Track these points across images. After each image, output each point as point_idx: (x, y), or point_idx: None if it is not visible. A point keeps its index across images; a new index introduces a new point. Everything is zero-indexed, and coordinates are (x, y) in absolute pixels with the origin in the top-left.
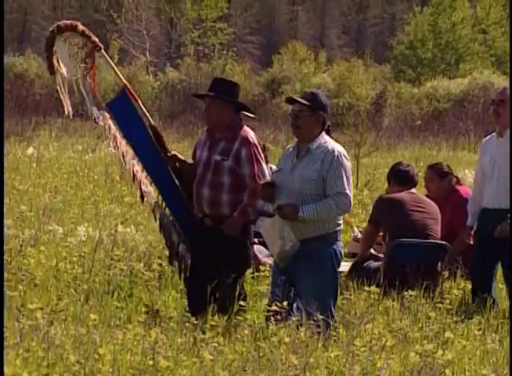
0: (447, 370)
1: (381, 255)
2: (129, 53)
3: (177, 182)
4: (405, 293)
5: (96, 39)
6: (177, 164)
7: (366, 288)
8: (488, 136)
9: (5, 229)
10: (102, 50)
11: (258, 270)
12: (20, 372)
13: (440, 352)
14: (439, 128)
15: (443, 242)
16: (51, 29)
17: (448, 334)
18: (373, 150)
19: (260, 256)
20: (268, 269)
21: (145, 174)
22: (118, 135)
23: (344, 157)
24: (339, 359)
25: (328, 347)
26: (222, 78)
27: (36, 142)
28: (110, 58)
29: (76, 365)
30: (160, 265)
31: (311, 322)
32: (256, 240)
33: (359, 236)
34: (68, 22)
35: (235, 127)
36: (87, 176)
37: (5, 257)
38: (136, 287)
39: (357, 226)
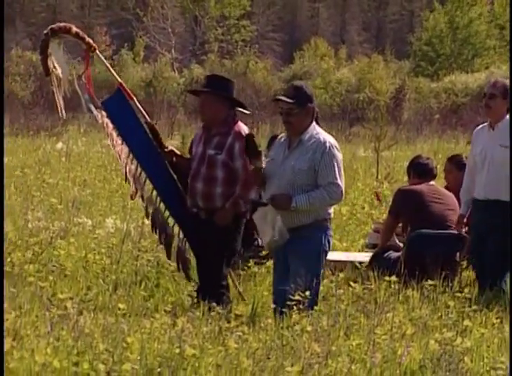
0: (466, 358)
1: (401, 244)
2: (155, 50)
3: (174, 176)
4: (425, 282)
5: (90, 40)
6: (174, 159)
7: (387, 278)
8: (480, 126)
9: (36, 222)
10: (97, 51)
11: None
12: (51, 360)
13: (459, 340)
14: (457, 122)
15: (461, 233)
16: (45, 32)
17: (466, 322)
18: (392, 144)
19: None
20: None
21: (139, 171)
22: (114, 133)
23: (335, 148)
24: (360, 347)
25: (350, 335)
26: (216, 74)
27: (65, 137)
28: (137, 55)
29: (105, 353)
30: None
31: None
32: None
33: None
34: (62, 24)
35: (229, 122)
36: (115, 170)
37: (35, 248)
38: (163, 278)
39: (377, 218)
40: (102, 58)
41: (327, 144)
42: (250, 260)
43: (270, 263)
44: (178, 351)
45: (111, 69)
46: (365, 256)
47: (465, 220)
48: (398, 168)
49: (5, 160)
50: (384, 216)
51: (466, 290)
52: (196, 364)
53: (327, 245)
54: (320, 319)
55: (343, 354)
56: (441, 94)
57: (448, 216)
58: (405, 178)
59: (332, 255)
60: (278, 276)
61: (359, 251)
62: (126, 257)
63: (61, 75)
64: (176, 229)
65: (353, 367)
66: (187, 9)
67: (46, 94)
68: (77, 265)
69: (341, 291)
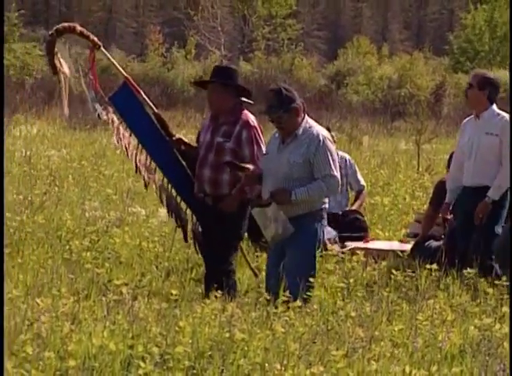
0: (504, 343)
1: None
2: (205, 48)
3: (183, 163)
4: (465, 271)
5: (95, 38)
6: (182, 146)
7: (428, 266)
8: (468, 118)
9: (92, 211)
10: (102, 48)
11: (326, 249)
12: (107, 343)
13: (497, 325)
14: None
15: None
16: (50, 32)
17: (505, 309)
18: (432, 137)
19: (326, 236)
20: (334, 248)
21: (149, 160)
22: (121, 127)
23: (328, 141)
24: (402, 332)
25: (392, 321)
26: (221, 65)
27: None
28: (188, 53)
29: (158, 336)
30: None
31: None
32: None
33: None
34: (66, 24)
35: (236, 111)
36: None
37: (92, 236)
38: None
39: (418, 208)
40: (108, 54)
41: (320, 137)
42: None
43: (317, 252)
44: (227, 335)
45: (117, 64)
46: (406, 245)
47: (451, 208)
48: (438, 161)
49: (64, 152)
50: (425, 207)
51: (504, 277)
52: (245, 348)
53: (321, 235)
54: (364, 306)
55: (385, 339)
56: None
57: None
58: (445, 170)
59: (374, 244)
60: (271, 265)
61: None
62: (178, 245)
63: (68, 73)
64: (189, 212)
65: (395, 351)
66: (236, 8)
67: (102, 89)
68: (131, 252)
69: (384, 278)
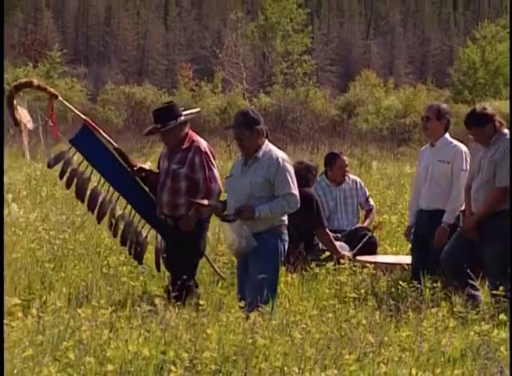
0: (501, 348)
1: None
2: (229, 82)
3: (147, 189)
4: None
5: (52, 90)
6: (143, 174)
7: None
8: (425, 146)
9: None
10: (59, 97)
11: (339, 263)
12: (142, 349)
13: (495, 331)
14: None
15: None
16: (9, 89)
17: (502, 316)
18: None
19: (341, 251)
20: (347, 261)
21: (111, 192)
22: (79, 169)
23: (286, 162)
24: (409, 338)
25: (400, 327)
26: (159, 108)
27: (153, 158)
28: (216, 87)
29: (188, 343)
30: None
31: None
32: (337, 235)
33: None
34: (23, 80)
35: (188, 139)
36: None
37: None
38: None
39: None
40: (66, 103)
41: (280, 159)
42: (312, 262)
43: (330, 265)
44: (250, 341)
45: (74, 109)
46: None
47: (412, 230)
48: None
49: None
50: None
51: (501, 288)
52: (267, 353)
53: (283, 248)
54: (374, 314)
55: (394, 344)
56: None
57: None
58: None
59: (383, 258)
60: (241, 275)
61: (407, 255)
62: (205, 260)
63: (27, 124)
64: (153, 232)
65: (403, 356)
66: (256, 46)
67: (136, 120)
68: (163, 267)
69: (392, 289)
